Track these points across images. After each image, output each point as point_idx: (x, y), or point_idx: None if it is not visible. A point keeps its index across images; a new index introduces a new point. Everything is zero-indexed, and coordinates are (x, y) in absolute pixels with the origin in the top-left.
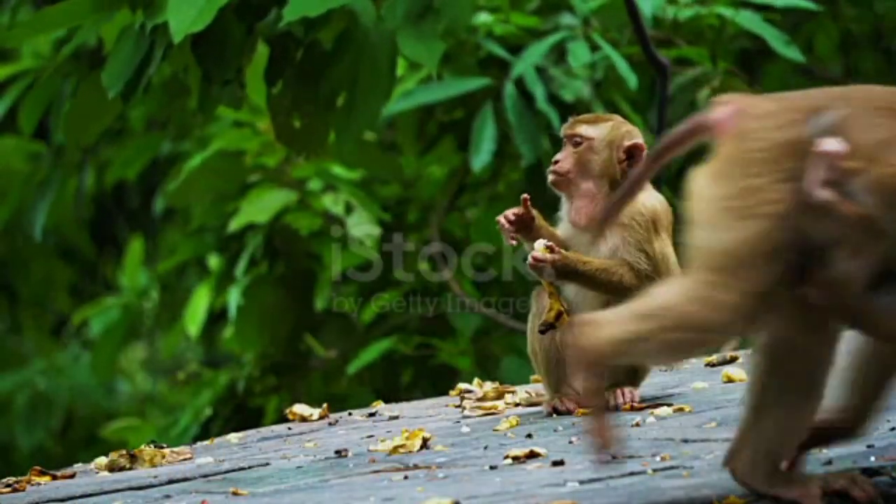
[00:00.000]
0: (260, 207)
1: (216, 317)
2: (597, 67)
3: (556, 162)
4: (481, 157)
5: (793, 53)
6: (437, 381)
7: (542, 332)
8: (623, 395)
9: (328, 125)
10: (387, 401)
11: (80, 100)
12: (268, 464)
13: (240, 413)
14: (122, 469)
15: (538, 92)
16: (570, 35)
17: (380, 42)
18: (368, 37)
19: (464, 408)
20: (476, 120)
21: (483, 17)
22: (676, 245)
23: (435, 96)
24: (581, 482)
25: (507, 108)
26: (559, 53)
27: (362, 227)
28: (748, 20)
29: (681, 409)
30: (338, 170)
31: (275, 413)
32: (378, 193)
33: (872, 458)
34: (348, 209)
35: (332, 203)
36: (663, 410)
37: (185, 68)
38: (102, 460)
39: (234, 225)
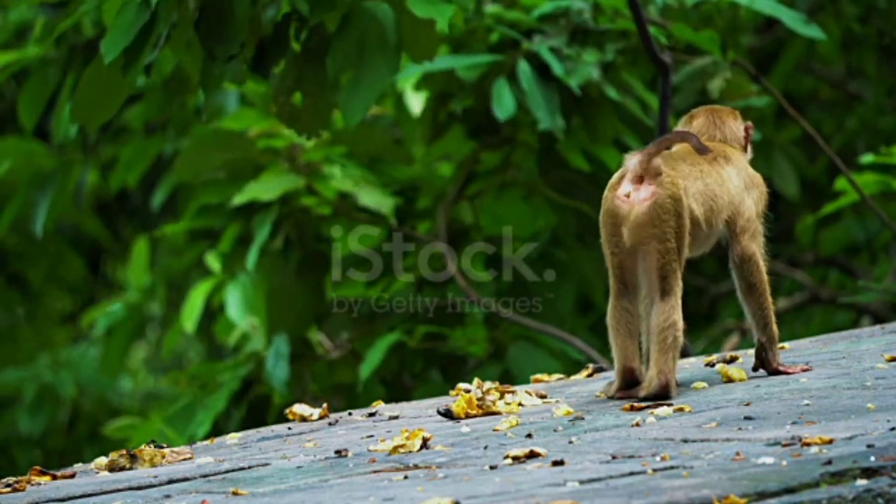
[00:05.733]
0: (267, 187)
1: (215, 313)
2: (606, 50)
3: None
4: (505, 108)
5: (812, 31)
6: (447, 370)
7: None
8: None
9: (332, 105)
10: (393, 391)
11: (85, 86)
12: (268, 464)
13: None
14: (122, 469)
15: (554, 64)
16: (582, 6)
17: (387, 16)
18: (377, 10)
19: None
20: (493, 88)
21: (491, 8)
22: None
23: (448, 64)
24: (581, 482)
25: (521, 80)
26: (570, 37)
27: (376, 198)
28: (763, 4)
29: (681, 409)
30: (343, 154)
31: (281, 403)
32: (391, 174)
33: (872, 458)
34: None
35: (341, 181)
36: (663, 410)
37: (187, 45)
38: (102, 460)
39: (239, 199)
